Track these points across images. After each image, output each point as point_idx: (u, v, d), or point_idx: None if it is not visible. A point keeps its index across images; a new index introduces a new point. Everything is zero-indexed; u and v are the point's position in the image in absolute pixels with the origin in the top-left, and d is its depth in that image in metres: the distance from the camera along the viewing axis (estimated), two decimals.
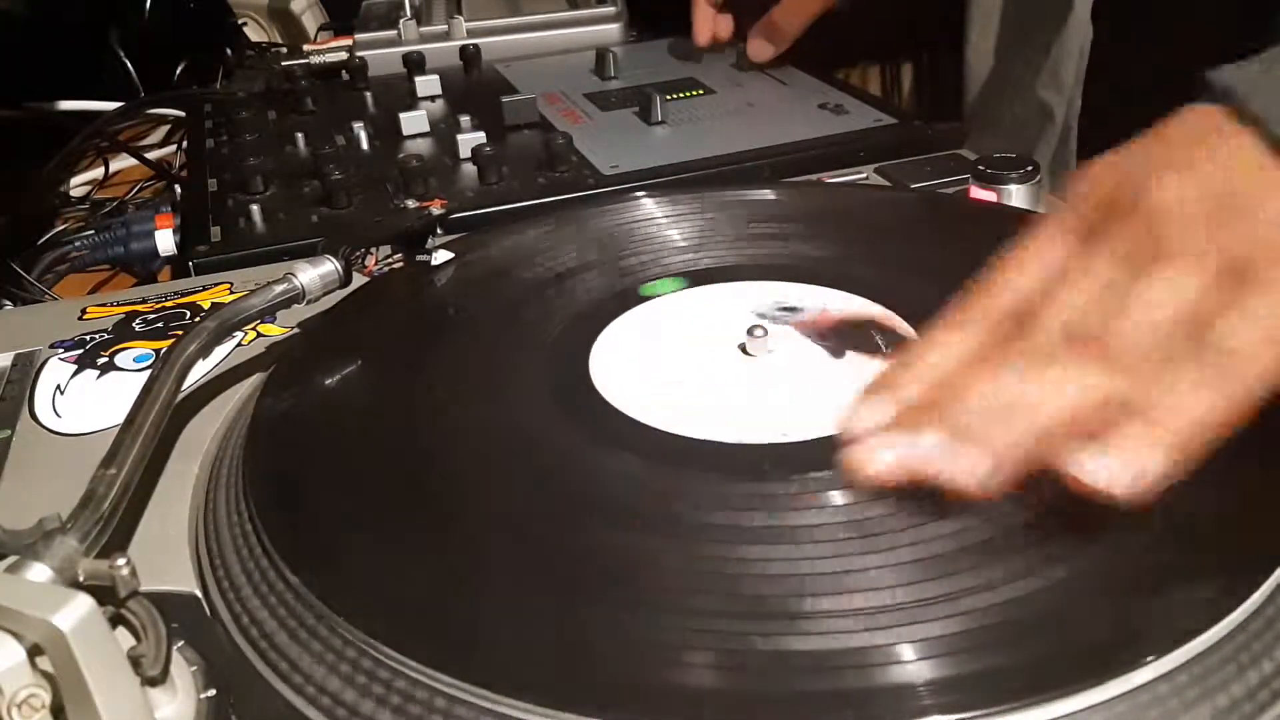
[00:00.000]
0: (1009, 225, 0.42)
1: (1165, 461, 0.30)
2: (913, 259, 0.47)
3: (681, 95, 0.74)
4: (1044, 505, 0.32)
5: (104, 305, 0.51)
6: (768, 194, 0.55)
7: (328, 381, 0.41)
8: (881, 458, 0.32)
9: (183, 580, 0.33)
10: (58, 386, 0.44)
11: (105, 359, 0.46)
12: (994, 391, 0.33)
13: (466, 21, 0.90)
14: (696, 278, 0.47)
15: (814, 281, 0.45)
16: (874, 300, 0.44)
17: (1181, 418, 0.30)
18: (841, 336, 0.42)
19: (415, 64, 0.83)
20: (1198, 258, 0.32)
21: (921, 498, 0.32)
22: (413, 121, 0.71)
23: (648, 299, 0.45)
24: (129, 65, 0.94)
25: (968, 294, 0.36)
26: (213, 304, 0.50)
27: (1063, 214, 0.36)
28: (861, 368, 0.39)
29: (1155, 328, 0.32)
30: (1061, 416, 0.31)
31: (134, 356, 0.46)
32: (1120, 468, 0.29)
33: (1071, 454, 0.30)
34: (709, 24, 0.80)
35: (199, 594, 0.32)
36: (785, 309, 0.44)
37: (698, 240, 0.50)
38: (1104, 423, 0.31)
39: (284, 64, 0.86)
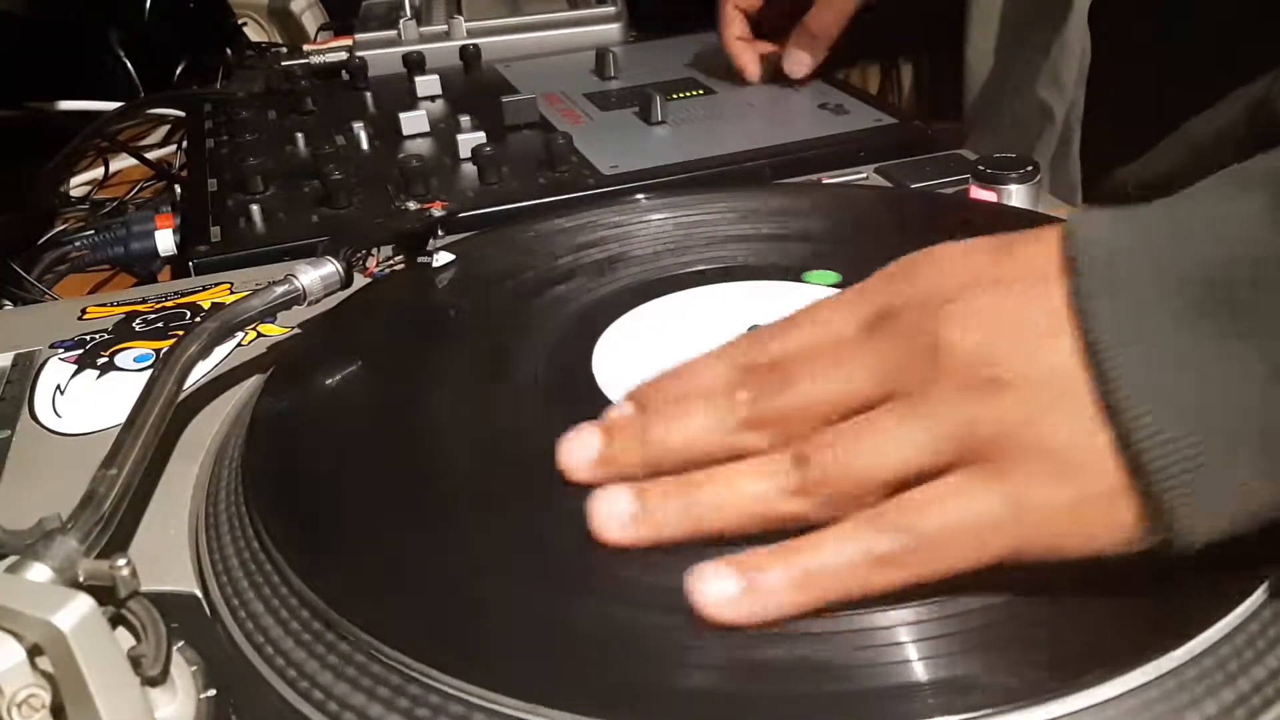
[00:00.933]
0: (1009, 225, 0.42)
1: (788, 610, 0.28)
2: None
3: (681, 95, 0.74)
4: None
5: (104, 305, 0.51)
6: (768, 194, 0.55)
7: (328, 382, 0.41)
8: (569, 454, 0.33)
9: (183, 580, 0.33)
10: (58, 386, 0.44)
11: (105, 359, 0.46)
12: (698, 442, 0.32)
13: (466, 21, 0.90)
14: (695, 279, 0.47)
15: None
16: None
17: (839, 582, 0.28)
18: None
19: (415, 64, 0.83)
20: (953, 424, 0.28)
21: None
22: (413, 121, 0.71)
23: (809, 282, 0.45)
24: (129, 65, 0.94)
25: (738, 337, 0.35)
26: (213, 304, 0.50)
27: (869, 285, 0.33)
28: None
29: (870, 478, 0.29)
30: (730, 515, 0.30)
31: (134, 356, 0.46)
32: (743, 602, 0.28)
33: (707, 561, 0.29)
34: (752, 58, 0.76)
35: (199, 594, 0.32)
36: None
37: (698, 240, 0.50)
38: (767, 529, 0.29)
39: (284, 64, 0.86)
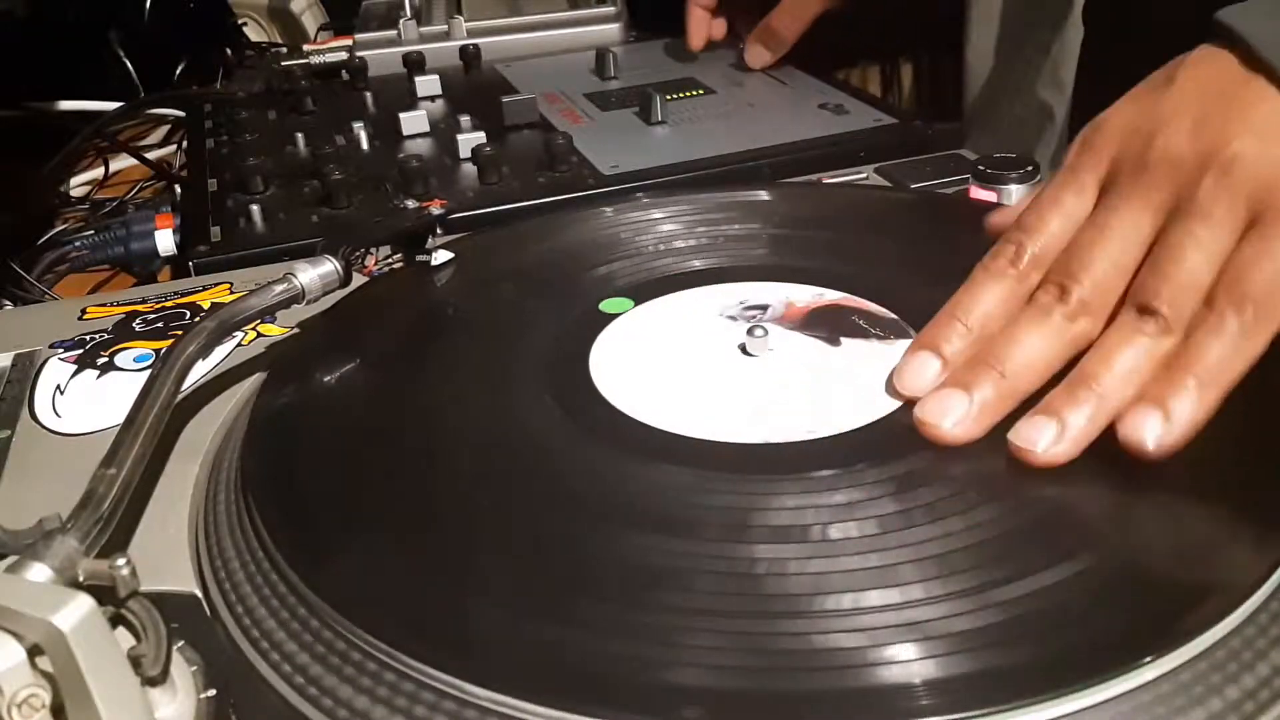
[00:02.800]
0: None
1: (1208, 413, 0.32)
2: (911, 258, 0.47)
3: (681, 95, 0.74)
4: (1043, 507, 0.32)
5: (104, 305, 0.51)
6: (768, 194, 0.55)
7: (327, 381, 0.41)
8: (952, 417, 0.34)
9: (183, 580, 0.33)
10: (58, 386, 0.44)
11: (105, 359, 0.46)
12: (1047, 353, 0.35)
13: (466, 21, 0.90)
14: (695, 279, 0.47)
15: (766, 278, 0.46)
16: (872, 301, 0.44)
17: (1227, 371, 0.32)
18: (826, 325, 0.42)
19: (415, 64, 0.83)
20: (1223, 207, 0.33)
21: (920, 498, 0.32)
22: (413, 121, 0.71)
23: (612, 314, 0.44)
24: (129, 65, 0.94)
25: (997, 245, 0.38)
26: (213, 304, 0.50)
27: (1079, 164, 0.37)
28: (863, 353, 0.40)
29: (1194, 284, 0.33)
30: (1131, 383, 0.33)
31: (134, 356, 0.46)
32: (1172, 427, 0.31)
33: (1126, 414, 0.32)
34: (704, 28, 0.80)
35: (199, 594, 0.32)
36: (752, 307, 0.44)
37: (697, 241, 0.50)
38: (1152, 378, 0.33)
39: (284, 64, 0.86)
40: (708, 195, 0.54)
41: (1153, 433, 0.32)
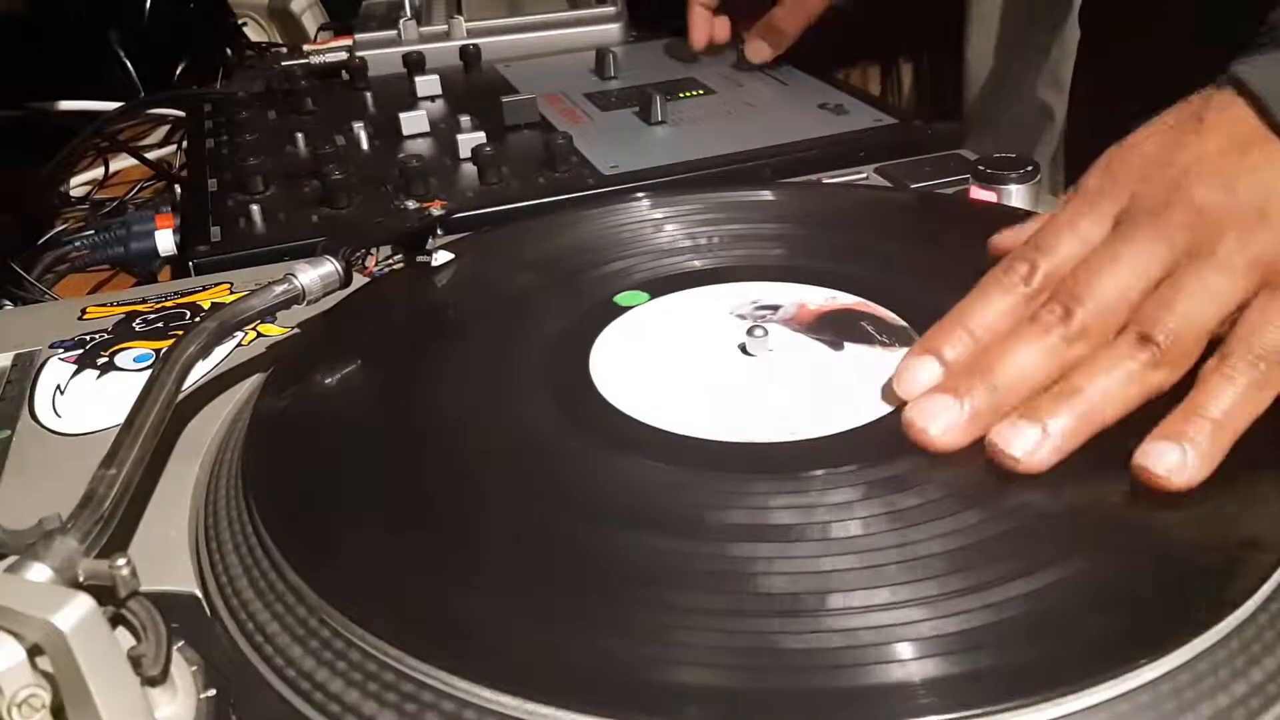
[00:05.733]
0: (1008, 225, 0.42)
1: (1220, 456, 0.32)
2: (875, 249, 0.47)
3: (681, 95, 0.74)
4: (1042, 507, 0.32)
5: (104, 305, 0.51)
6: (767, 194, 0.55)
7: (328, 382, 0.41)
8: (939, 423, 0.34)
9: (183, 580, 0.33)
10: (58, 386, 0.44)
11: (105, 359, 0.46)
12: (1041, 370, 0.35)
13: (466, 21, 0.90)
14: (695, 279, 0.47)
15: (781, 279, 0.46)
16: (872, 300, 0.44)
17: (1238, 419, 0.33)
18: (832, 329, 0.42)
19: (415, 64, 0.83)
20: (1241, 262, 0.34)
21: (921, 497, 0.32)
22: (413, 121, 0.71)
23: (625, 308, 0.45)
24: (129, 65, 0.94)
25: (1009, 256, 0.38)
26: (213, 304, 0.50)
27: (1100, 191, 0.38)
28: (864, 358, 0.40)
29: (1204, 327, 0.34)
30: (1115, 403, 0.34)
31: (134, 356, 0.46)
32: (1188, 463, 0.32)
33: (1145, 444, 0.32)
34: (705, 27, 0.79)
35: (199, 594, 0.32)
36: (764, 307, 0.44)
37: (696, 241, 0.50)
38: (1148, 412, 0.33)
39: (284, 64, 0.86)
40: (733, 193, 0.54)
41: (1173, 463, 0.32)
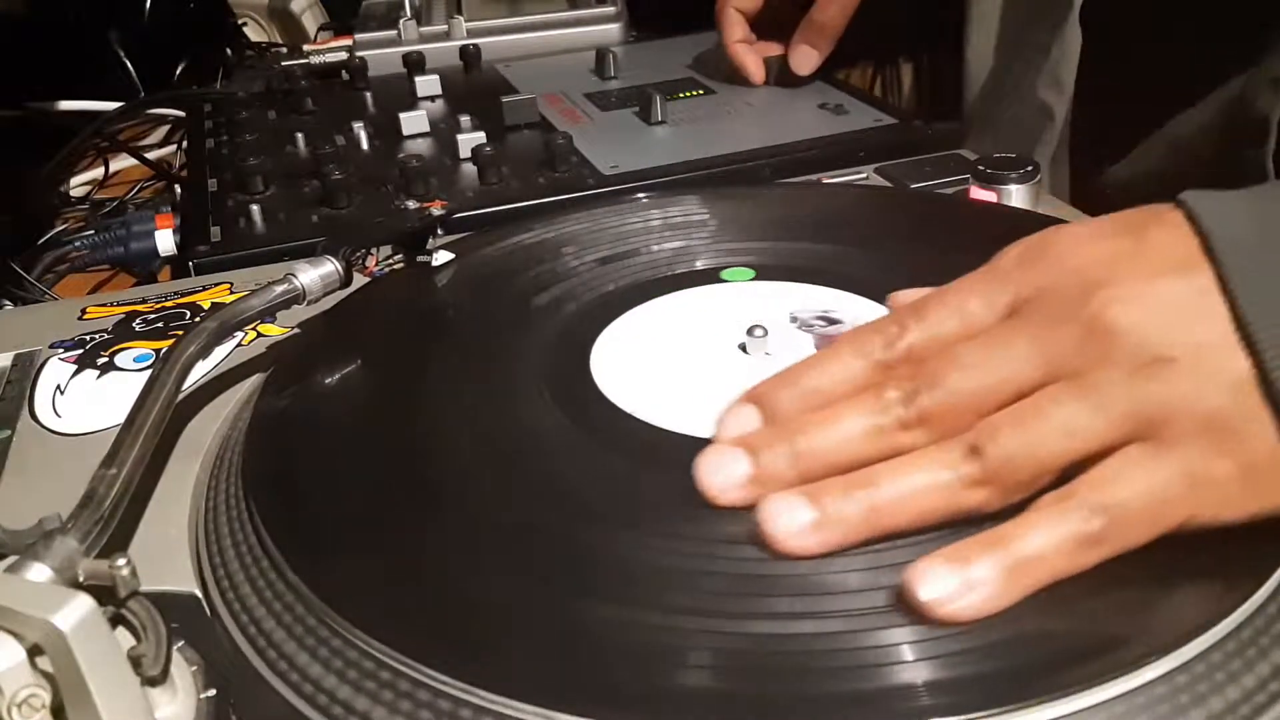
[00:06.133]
0: (1008, 225, 0.42)
1: (1006, 602, 0.28)
2: (913, 259, 0.47)
3: (681, 95, 0.74)
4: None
5: (104, 305, 0.51)
6: (767, 195, 0.55)
7: (328, 381, 0.41)
8: (719, 475, 0.32)
9: (183, 580, 0.33)
10: (58, 386, 0.44)
11: (105, 359, 0.46)
12: (857, 447, 0.31)
13: (466, 21, 0.90)
14: (695, 279, 0.47)
15: (810, 281, 0.46)
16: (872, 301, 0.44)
17: (1047, 568, 0.29)
18: None
19: (415, 64, 0.83)
20: (1122, 403, 0.29)
21: None
22: (413, 121, 0.71)
23: (727, 281, 0.45)
24: (129, 65, 0.94)
25: (880, 320, 0.35)
26: (213, 304, 0.50)
27: (1006, 276, 0.33)
28: None
29: (1048, 459, 0.30)
30: (913, 510, 0.30)
31: (134, 356, 0.46)
32: (960, 599, 0.28)
33: (921, 560, 0.28)
34: (756, 60, 0.75)
35: (199, 594, 0.32)
36: (825, 319, 0.42)
37: (696, 240, 0.50)
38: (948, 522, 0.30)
39: (284, 64, 0.86)
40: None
41: (942, 592, 0.28)
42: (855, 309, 0.43)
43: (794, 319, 0.43)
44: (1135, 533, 0.29)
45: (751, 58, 0.75)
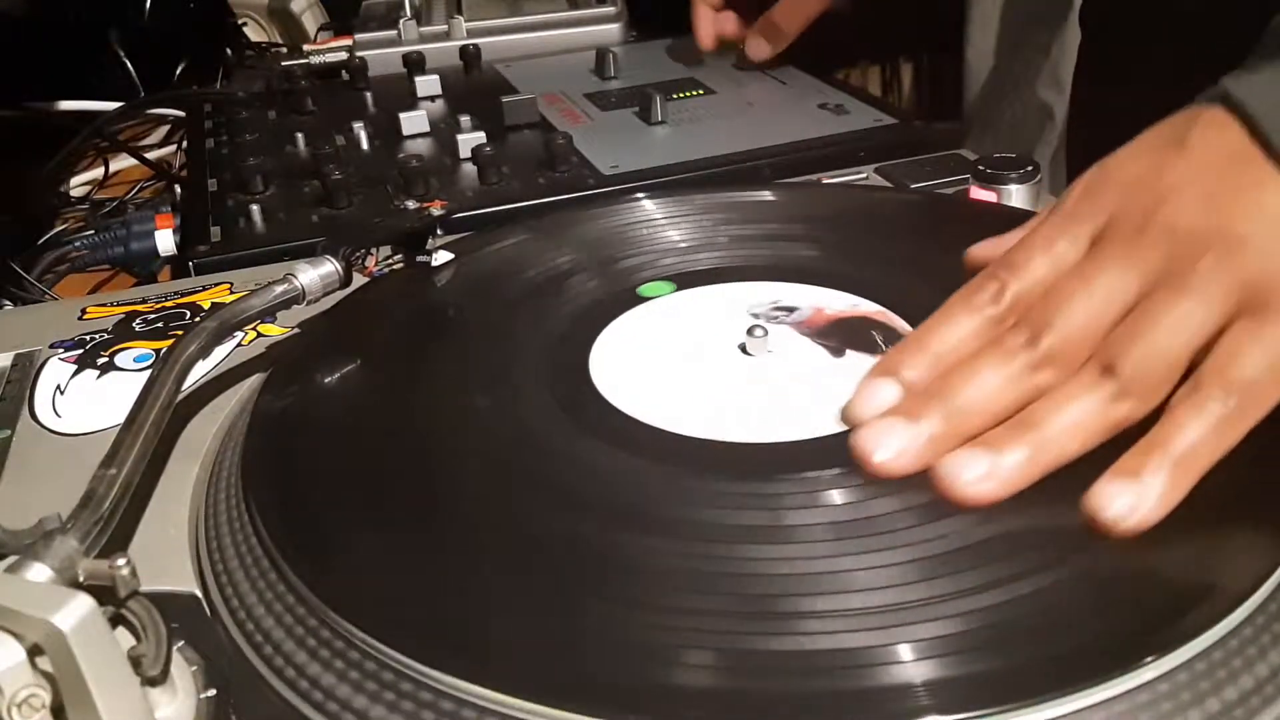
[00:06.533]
0: (1008, 225, 0.42)
1: (1179, 496, 0.30)
2: (912, 259, 0.47)
3: (681, 95, 0.74)
4: (1042, 508, 0.32)
5: (104, 305, 0.51)
6: (767, 194, 0.55)
7: (328, 381, 0.41)
8: (888, 448, 0.33)
9: (183, 580, 0.33)
10: (58, 386, 0.44)
11: (105, 359, 0.46)
12: (1003, 396, 0.33)
13: (466, 21, 0.90)
14: (696, 278, 0.47)
15: (811, 281, 0.45)
16: (873, 300, 0.44)
17: (1204, 455, 0.31)
18: (841, 336, 0.42)
19: (415, 64, 0.83)
20: (1218, 287, 0.32)
21: (920, 498, 0.32)
22: (413, 121, 0.71)
23: (646, 299, 0.45)
24: (129, 65, 0.94)
25: (979, 275, 0.37)
26: (213, 304, 0.50)
27: (1077, 211, 0.36)
28: (862, 366, 0.39)
29: (1174, 357, 0.32)
30: (1076, 438, 0.32)
31: (134, 356, 0.46)
32: (1140, 505, 0.30)
33: (1097, 483, 0.31)
34: (711, 25, 0.79)
35: (199, 594, 0.32)
36: (781, 309, 0.44)
37: (697, 240, 0.50)
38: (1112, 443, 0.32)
39: (284, 64, 0.86)
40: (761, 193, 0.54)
41: (1124, 506, 0.30)
42: (818, 300, 0.44)
43: (753, 314, 0.43)
44: (1263, 402, 0.31)
45: (708, 22, 0.78)
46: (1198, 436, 0.31)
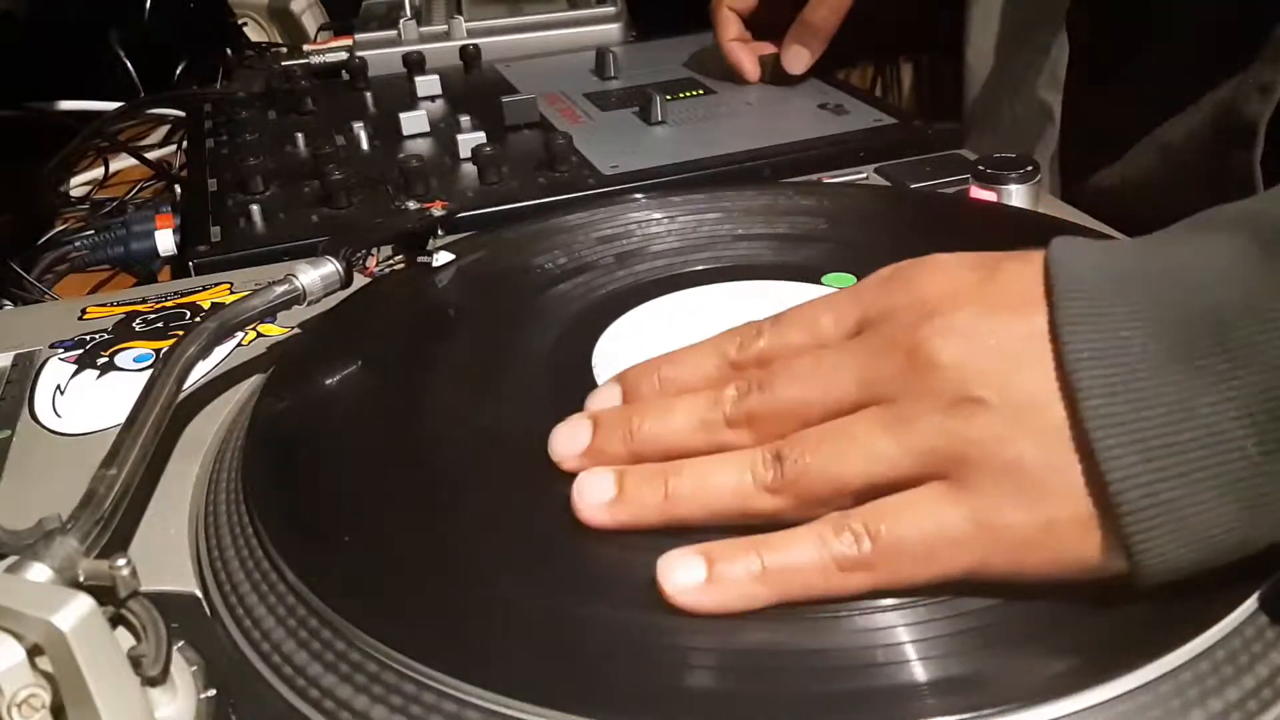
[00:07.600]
0: (1008, 225, 0.42)
1: (753, 606, 0.28)
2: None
3: (681, 95, 0.74)
4: None
5: (104, 305, 0.51)
6: (767, 195, 0.55)
7: (328, 382, 0.41)
8: (565, 446, 0.34)
9: (183, 580, 0.33)
10: (58, 386, 0.44)
11: (105, 359, 0.46)
12: (687, 438, 0.33)
13: (466, 21, 0.90)
14: (696, 278, 0.47)
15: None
16: None
17: (802, 585, 0.28)
18: None
19: (415, 64, 0.83)
20: (927, 442, 0.29)
21: None
22: (413, 121, 0.71)
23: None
24: (129, 65, 0.94)
25: (744, 324, 0.35)
26: (213, 304, 0.50)
27: (861, 297, 0.33)
28: None
29: (843, 482, 0.29)
30: (703, 504, 0.31)
31: (134, 356, 0.46)
32: (701, 593, 0.28)
33: (677, 549, 0.29)
34: (750, 56, 0.75)
35: (199, 594, 0.32)
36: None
37: (697, 240, 0.50)
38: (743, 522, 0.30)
39: (284, 64, 0.86)
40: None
41: (687, 583, 0.28)
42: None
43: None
44: (908, 568, 0.28)
45: (746, 55, 0.75)
46: (806, 562, 0.28)
